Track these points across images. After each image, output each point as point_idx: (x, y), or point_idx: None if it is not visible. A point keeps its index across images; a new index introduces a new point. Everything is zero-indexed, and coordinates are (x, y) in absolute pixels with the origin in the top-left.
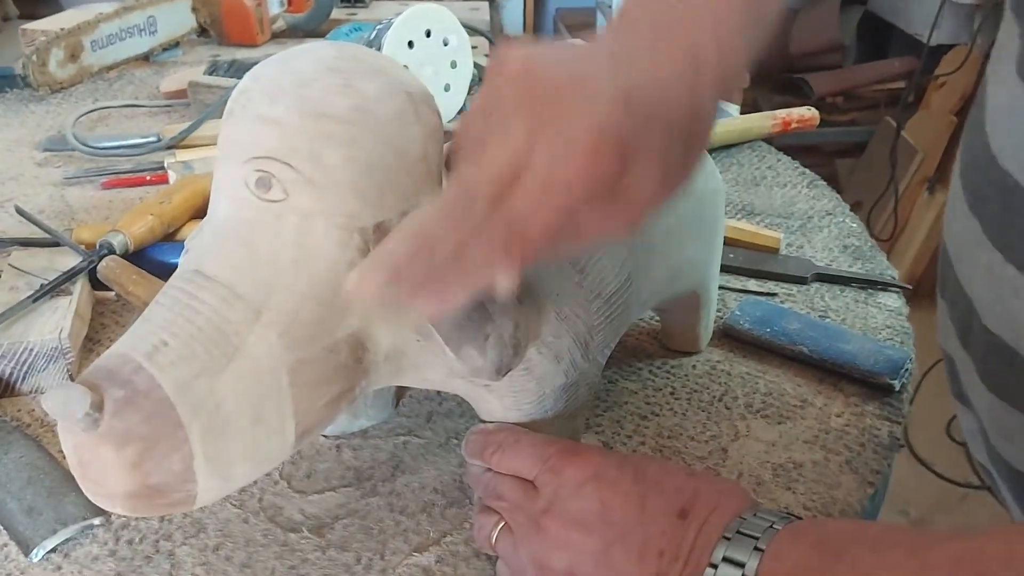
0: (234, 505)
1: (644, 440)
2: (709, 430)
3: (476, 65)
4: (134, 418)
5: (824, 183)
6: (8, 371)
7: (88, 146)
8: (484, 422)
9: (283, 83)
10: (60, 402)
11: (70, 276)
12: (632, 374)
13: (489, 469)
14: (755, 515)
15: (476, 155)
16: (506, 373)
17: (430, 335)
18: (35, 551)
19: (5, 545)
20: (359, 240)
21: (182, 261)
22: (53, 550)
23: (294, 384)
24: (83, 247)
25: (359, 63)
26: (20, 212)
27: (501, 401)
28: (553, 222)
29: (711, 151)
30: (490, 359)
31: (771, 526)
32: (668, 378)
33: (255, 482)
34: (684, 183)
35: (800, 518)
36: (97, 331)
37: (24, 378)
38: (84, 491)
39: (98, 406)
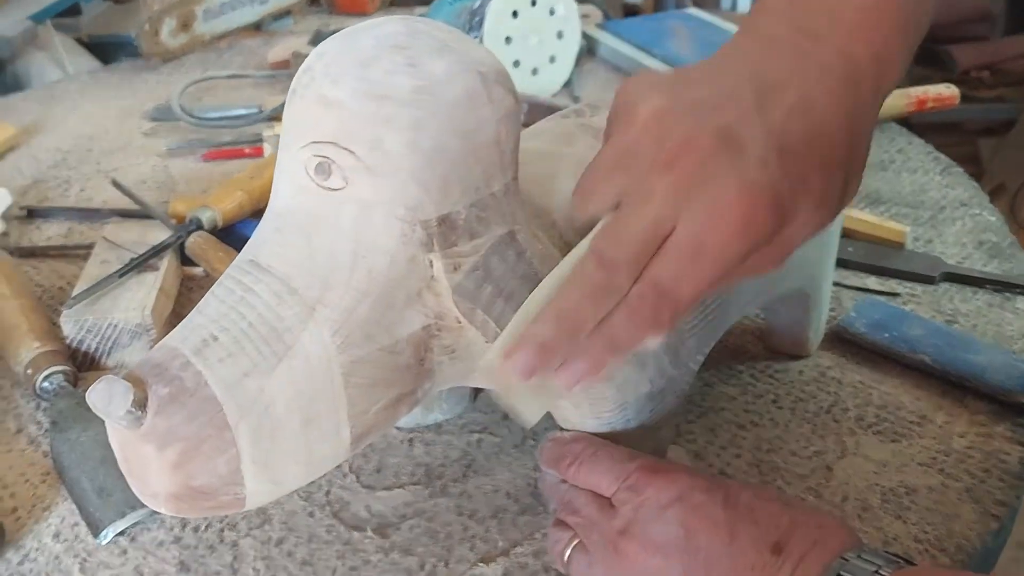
0: (301, 497)
1: (740, 452)
2: (813, 445)
3: (585, 36)
4: (178, 417)
5: (960, 170)
6: (93, 346)
7: (193, 117)
8: (562, 429)
9: (345, 62)
10: (103, 398)
11: (157, 251)
12: (731, 377)
13: (565, 480)
14: (859, 556)
15: (612, 219)
16: None
17: (495, 338)
18: (104, 532)
19: (76, 524)
20: (422, 233)
21: (243, 252)
22: (121, 533)
23: (349, 385)
24: (175, 221)
25: (426, 39)
26: (116, 184)
27: (577, 408)
28: (704, 288)
29: None
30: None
31: (878, 571)
32: (771, 384)
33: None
34: (842, 208)
35: (912, 562)
36: (184, 307)
37: (109, 353)
38: (132, 487)
39: (141, 403)
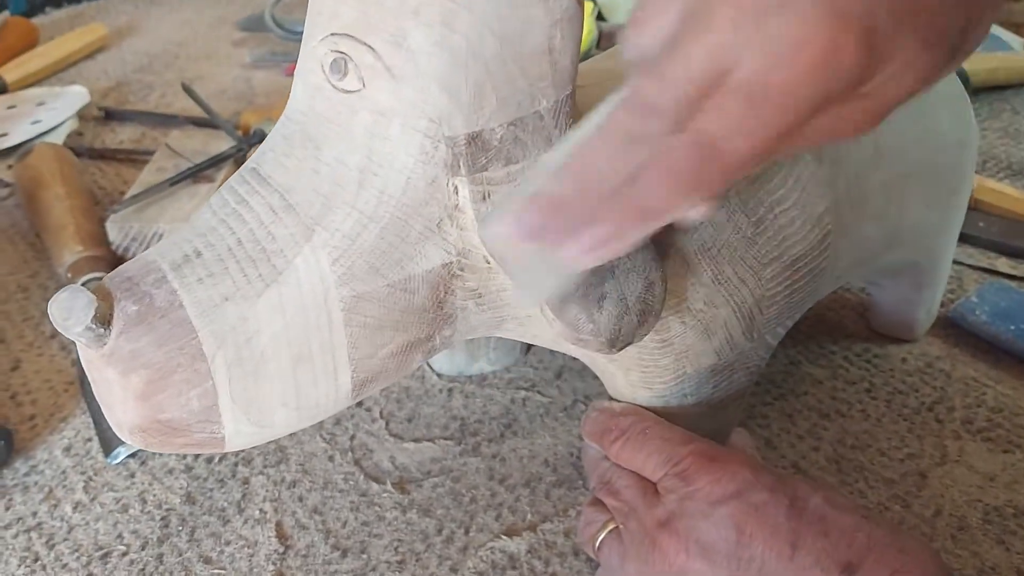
0: (324, 439)
1: (818, 445)
2: (908, 446)
3: None
4: (145, 340)
5: None
6: (136, 255)
7: (283, 29)
8: (612, 399)
9: None
10: (63, 309)
11: (214, 162)
12: (820, 358)
13: (607, 458)
14: None
15: (660, 54)
16: (624, 346)
17: (521, 285)
18: (115, 452)
19: (89, 440)
20: (446, 152)
21: (252, 155)
22: (133, 455)
23: (350, 324)
24: (241, 133)
25: None
26: (186, 89)
27: (626, 375)
28: (762, 144)
29: (972, 93)
30: (602, 325)
31: None
32: (866, 370)
33: (351, 415)
34: (961, 58)
35: None
36: None
37: None
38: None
39: (105, 320)
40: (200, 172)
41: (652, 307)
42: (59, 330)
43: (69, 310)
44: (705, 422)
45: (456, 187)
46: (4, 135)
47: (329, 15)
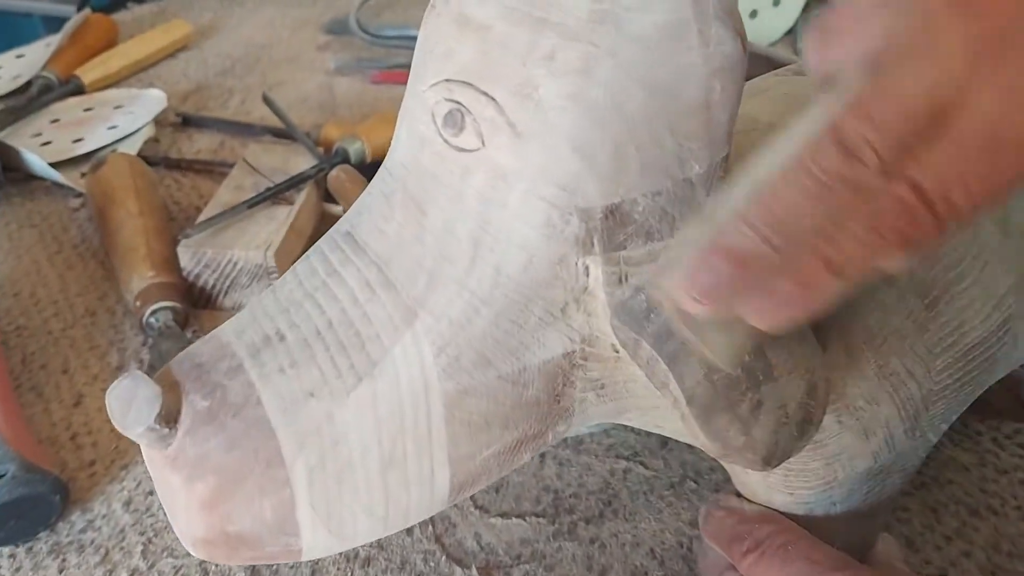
0: None
1: (970, 550)
2: None
3: None
4: (214, 441)
5: None
6: (211, 282)
7: (368, 33)
8: (738, 493)
9: None
10: (122, 402)
11: (294, 184)
12: (965, 439)
13: (734, 569)
14: None
15: (866, 82)
16: (782, 462)
17: (665, 383)
18: None
19: (151, 493)
20: (578, 226)
21: (347, 212)
22: None
23: (452, 421)
24: (322, 149)
25: None
26: (266, 100)
27: (764, 476)
28: (989, 197)
29: None
30: (758, 440)
31: None
32: (1020, 456)
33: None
34: None
35: None
36: None
37: (227, 292)
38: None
39: (172, 416)
40: (279, 193)
41: (814, 415)
42: (116, 427)
43: (129, 403)
44: (851, 532)
45: (587, 267)
46: (80, 140)
47: (443, 54)
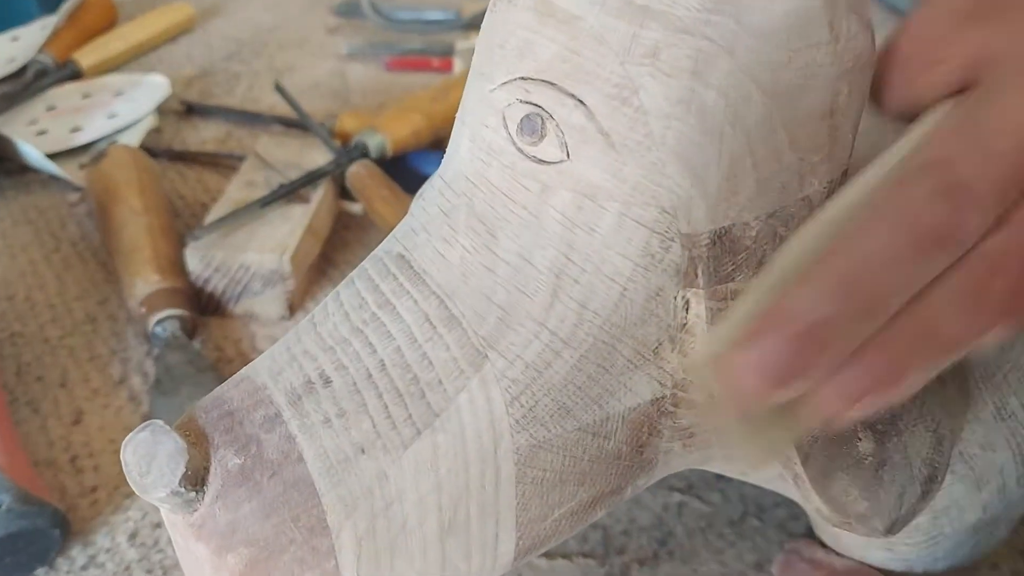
0: None
1: None
2: None
3: None
4: (248, 507)
5: None
6: (220, 288)
7: (381, 16)
8: (822, 543)
9: None
10: (141, 457)
11: (310, 180)
12: None
13: None
14: None
15: (963, 115)
16: (904, 527)
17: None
18: None
19: (159, 525)
20: (680, 254)
21: (396, 229)
22: None
23: (523, 480)
24: (339, 142)
25: None
26: (279, 89)
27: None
28: None
29: None
30: (883, 504)
31: None
32: None
33: None
34: None
35: None
36: (336, 250)
37: (238, 299)
38: None
39: (198, 476)
40: (294, 191)
41: (939, 471)
42: (134, 488)
43: (150, 461)
44: None
45: (688, 301)
46: (77, 130)
47: (517, 49)
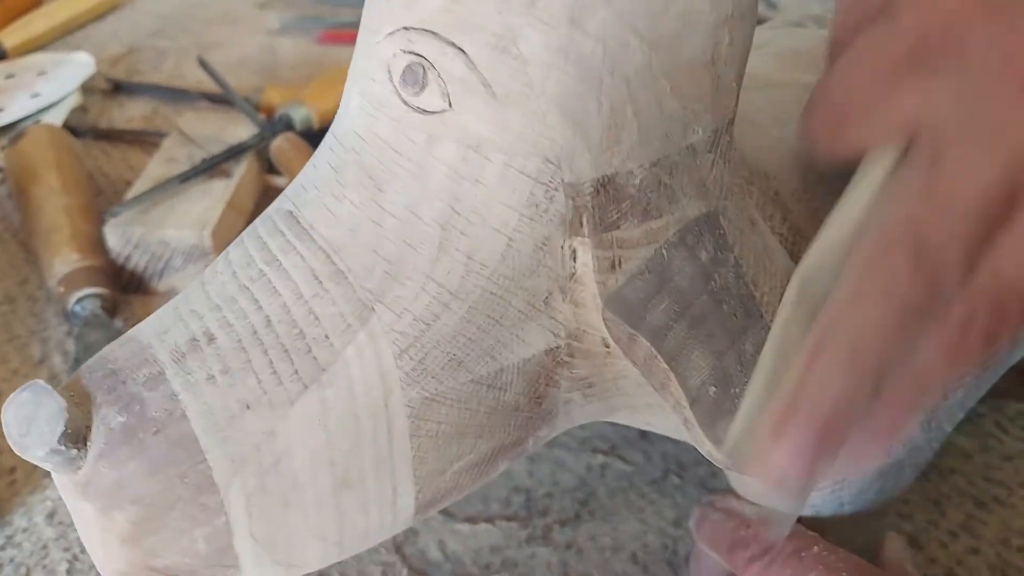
0: None
1: (977, 546)
2: None
3: None
4: (132, 465)
5: None
6: (142, 265)
7: None
8: (734, 492)
9: None
10: (21, 418)
11: (232, 154)
12: (966, 422)
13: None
14: None
15: (924, 162)
16: None
17: (665, 384)
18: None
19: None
20: (564, 204)
21: (289, 187)
22: None
23: (418, 433)
24: (263, 116)
25: None
26: (202, 64)
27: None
28: None
29: None
30: None
31: None
32: None
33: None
34: None
35: None
36: None
37: (161, 276)
38: None
39: (79, 435)
40: (215, 166)
41: None
42: (13, 448)
43: (29, 421)
44: (859, 533)
45: (575, 251)
46: (0, 110)
47: (404, 1)
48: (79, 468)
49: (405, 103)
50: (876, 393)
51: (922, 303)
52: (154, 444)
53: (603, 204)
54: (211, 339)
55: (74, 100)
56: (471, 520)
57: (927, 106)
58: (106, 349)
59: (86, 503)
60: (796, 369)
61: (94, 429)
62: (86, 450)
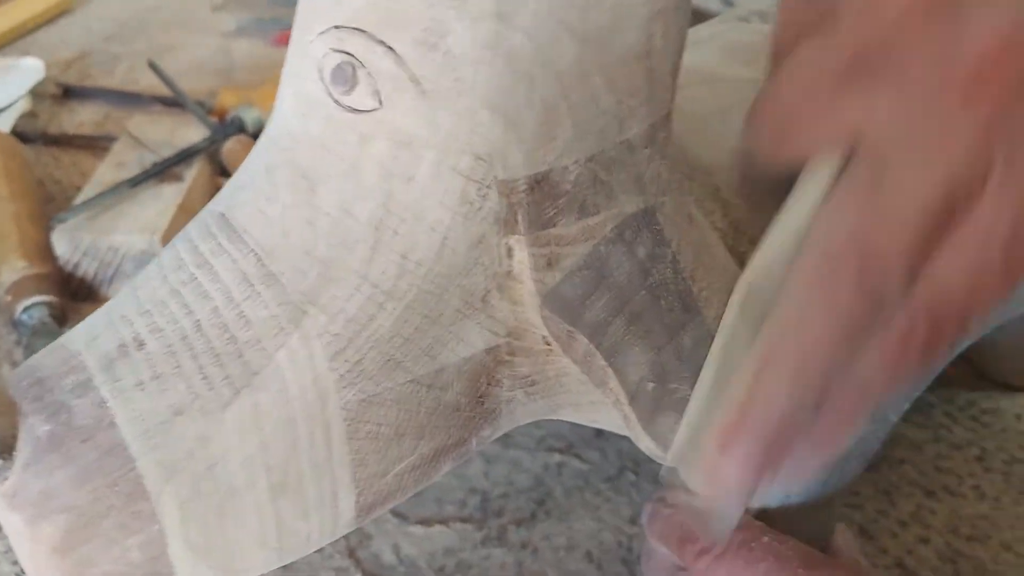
0: None
1: (927, 535)
2: None
3: None
4: (60, 474)
5: None
6: (91, 272)
7: None
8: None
9: None
10: None
11: (183, 158)
12: (915, 412)
13: (682, 569)
14: None
15: (863, 181)
16: None
17: (604, 381)
18: None
19: None
20: (497, 201)
21: (223, 189)
22: None
23: (356, 435)
24: (216, 119)
25: None
26: (152, 67)
27: None
28: (1006, 295)
29: None
30: None
31: None
32: (974, 431)
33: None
34: None
35: None
36: None
37: (111, 282)
38: None
39: (5, 445)
40: (166, 170)
41: None
42: None
43: None
44: (808, 524)
45: (510, 248)
46: None
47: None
48: (6, 479)
49: (337, 102)
50: (819, 404)
51: (865, 317)
52: (82, 452)
53: (538, 201)
54: (141, 345)
55: (23, 105)
56: (425, 522)
57: (868, 116)
58: (34, 357)
59: (14, 514)
60: (742, 382)
61: (20, 438)
62: (12, 460)
